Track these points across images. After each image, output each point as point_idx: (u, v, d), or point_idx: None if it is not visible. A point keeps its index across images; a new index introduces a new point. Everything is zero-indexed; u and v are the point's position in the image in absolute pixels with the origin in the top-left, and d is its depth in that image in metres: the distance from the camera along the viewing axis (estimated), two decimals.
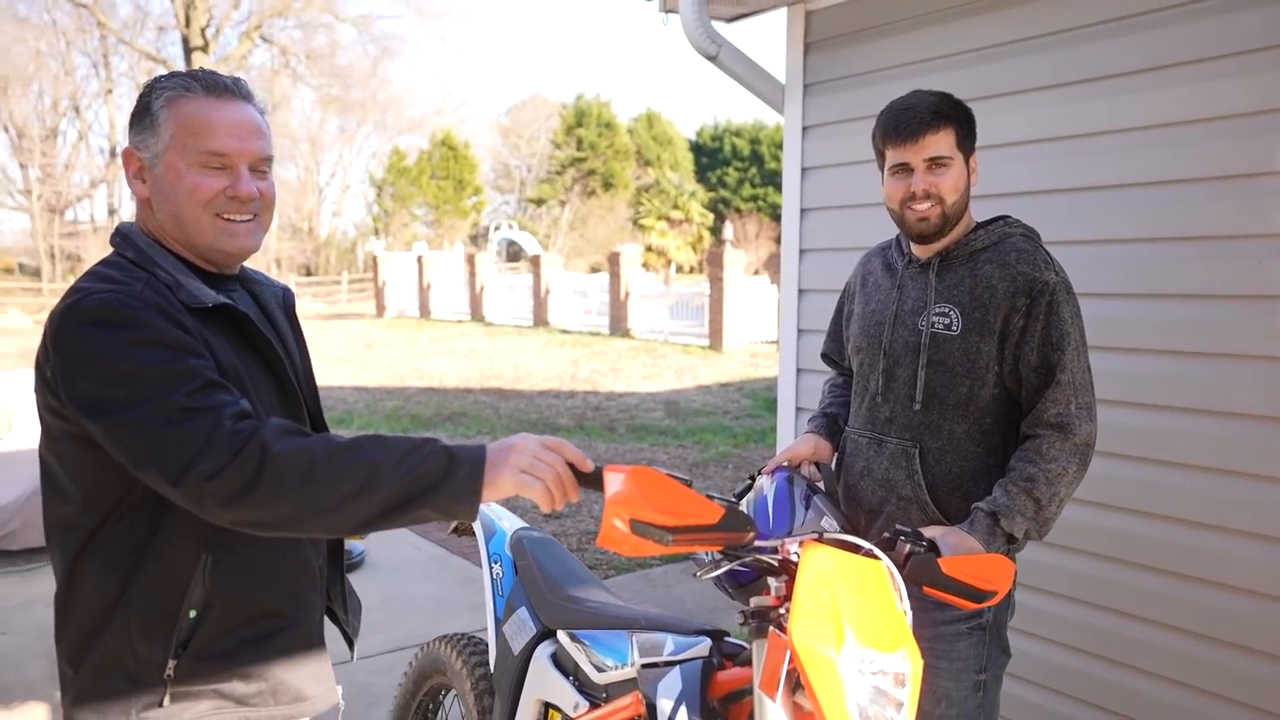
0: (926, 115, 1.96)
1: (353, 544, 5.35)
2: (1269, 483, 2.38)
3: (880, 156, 2.07)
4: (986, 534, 1.87)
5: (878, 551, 1.51)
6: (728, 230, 21.98)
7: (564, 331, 20.79)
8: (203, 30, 30.34)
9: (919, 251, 2.09)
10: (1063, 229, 2.65)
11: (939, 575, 1.61)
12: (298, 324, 1.72)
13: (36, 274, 35.03)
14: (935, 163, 1.96)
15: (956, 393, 1.99)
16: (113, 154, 38.64)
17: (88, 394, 1.31)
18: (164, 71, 1.53)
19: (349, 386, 13.29)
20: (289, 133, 41.97)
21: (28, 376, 5.26)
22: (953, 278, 2.03)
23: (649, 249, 30.20)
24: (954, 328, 1.99)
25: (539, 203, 48.67)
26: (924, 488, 2.01)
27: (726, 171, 47.43)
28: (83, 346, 1.32)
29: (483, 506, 2.59)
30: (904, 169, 1.99)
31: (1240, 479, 2.43)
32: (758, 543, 1.47)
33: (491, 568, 2.35)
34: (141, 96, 1.47)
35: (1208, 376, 2.48)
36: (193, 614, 1.42)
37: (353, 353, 17.69)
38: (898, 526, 1.67)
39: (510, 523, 2.48)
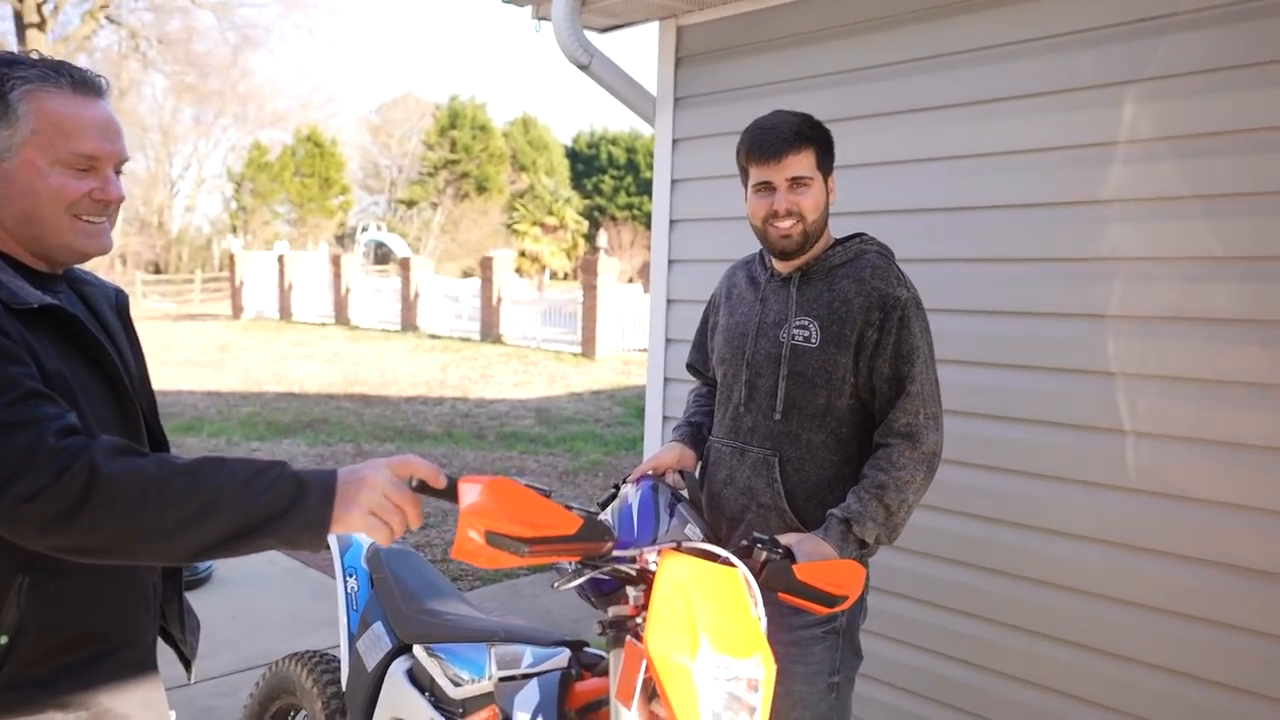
0: (789, 136, 2.02)
1: None
2: (1103, 489, 2.57)
3: (744, 173, 2.13)
4: (840, 540, 1.94)
5: (734, 559, 1.53)
6: (602, 238, 22.06)
7: (434, 336, 20.39)
8: (39, 6, 28.30)
9: (781, 266, 2.15)
10: (916, 247, 2.79)
11: (794, 581, 1.65)
12: (132, 327, 1.62)
13: None
14: (796, 182, 2.03)
15: (814, 403, 2.06)
16: None
17: None
18: None
19: (200, 391, 12.61)
20: (138, 120, 39.67)
21: None
22: (812, 292, 2.09)
23: (523, 254, 29.97)
24: (813, 340, 2.06)
25: (410, 204, 47.64)
26: (783, 495, 2.07)
27: (602, 179, 47.65)
28: None
29: None
30: (767, 187, 2.05)
31: (1077, 486, 2.61)
32: (616, 552, 1.48)
33: (346, 581, 2.28)
34: None
35: (1048, 389, 2.65)
36: (3, 640, 1.31)
37: (205, 355, 16.82)
38: (755, 534, 1.70)
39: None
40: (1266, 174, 2.29)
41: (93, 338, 1.42)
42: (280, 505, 1.23)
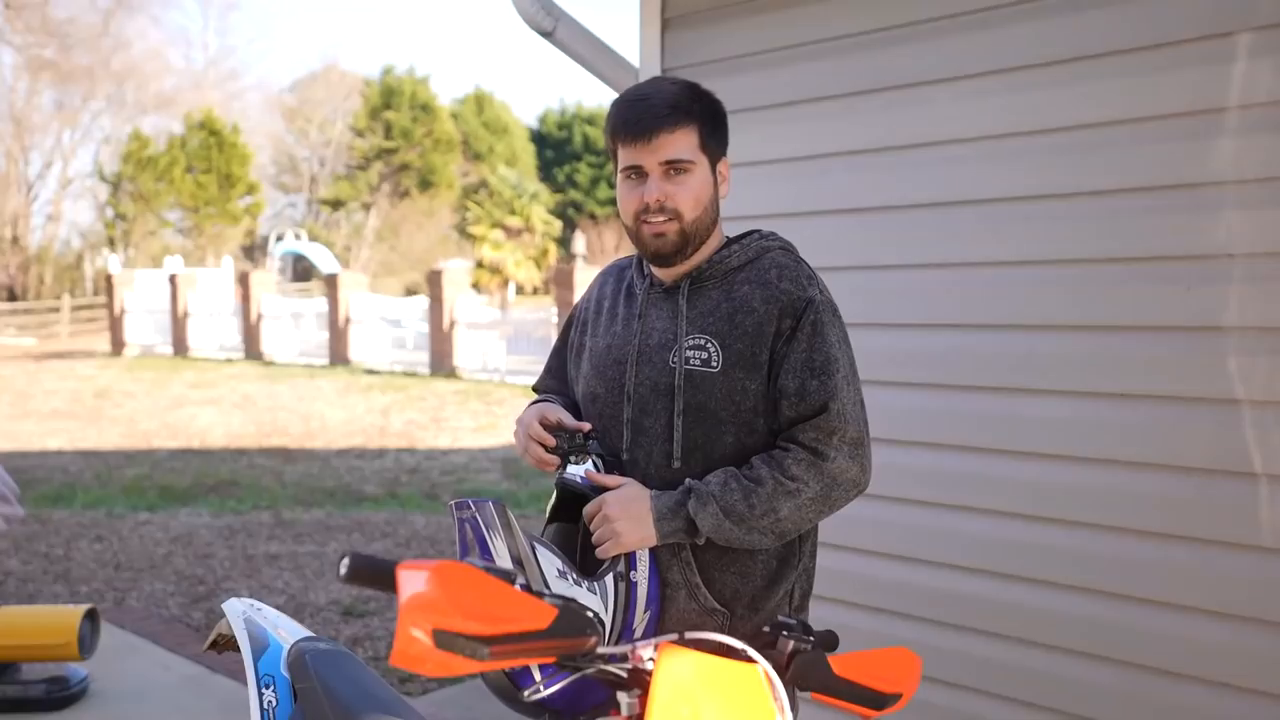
0: (663, 110, 1.99)
1: (74, 667, 5.03)
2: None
3: (613, 155, 2.10)
4: (669, 509, 1.94)
5: (752, 652, 1.54)
6: (579, 242, 22.20)
7: (370, 372, 20.42)
8: None
9: (663, 274, 2.12)
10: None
11: (831, 678, 1.65)
12: None
13: None
14: (673, 167, 2.00)
15: (722, 444, 2.02)
16: None
17: None
18: None
19: (71, 450, 12.56)
20: None
21: None
22: (707, 303, 2.07)
23: (480, 265, 30.10)
24: (713, 363, 2.02)
25: (335, 205, 47.86)
26: (694, 568, 2.01)
27: (577, 168, 47.91)
28: None
29: (251, 610, 2.50)
30: (637, 173, 2.03)
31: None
32: (601, 649, 1.48)
33: (262, 693, 2.27)
34: None
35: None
36: None
37: (77, 405, 16.80)
38: (780, 619, 1.69)
39: (289, 632, 2.40)
40: None
41: None
42: None
